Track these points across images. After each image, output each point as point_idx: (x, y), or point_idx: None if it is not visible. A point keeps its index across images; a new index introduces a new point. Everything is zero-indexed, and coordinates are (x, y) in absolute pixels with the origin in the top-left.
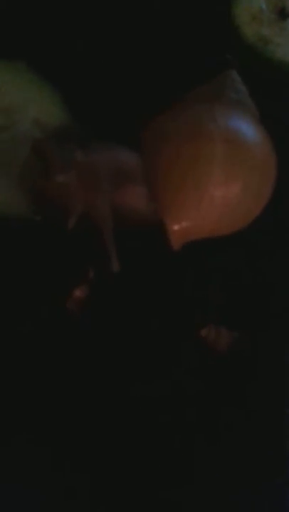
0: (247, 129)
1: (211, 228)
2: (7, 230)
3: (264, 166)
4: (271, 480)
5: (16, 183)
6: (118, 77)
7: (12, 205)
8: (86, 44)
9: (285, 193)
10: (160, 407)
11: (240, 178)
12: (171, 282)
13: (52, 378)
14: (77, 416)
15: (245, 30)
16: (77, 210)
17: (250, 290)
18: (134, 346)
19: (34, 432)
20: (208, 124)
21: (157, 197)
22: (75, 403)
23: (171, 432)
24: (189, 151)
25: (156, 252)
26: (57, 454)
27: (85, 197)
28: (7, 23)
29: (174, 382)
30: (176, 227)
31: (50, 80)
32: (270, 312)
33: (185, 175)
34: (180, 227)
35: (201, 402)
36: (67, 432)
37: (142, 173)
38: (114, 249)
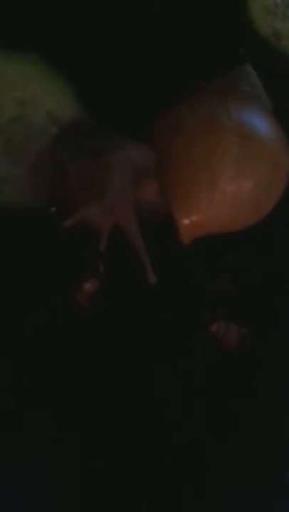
0: (261, 123)
1: (223, 223)
2: (19, 221)
3: (277, 162)
4: (281, 476)
5: (28, 174)
6: (132, 70)
7: (25, 196)
8: (100, 37)
9: None
10: (169, 401)
11: (252, 173)
12: (181, 277)
13: (61, 371)
14: (84, 407)
15: (259, 25)
16: (107, 229)
17: (260, 286)
18: (144, 340)
19: (42, 427)
20: (222, 118)
21: (169, 191)
22: (84, 396)
23: (179, 427)
24: (202, 145)
25: (167, 247)
26: (63, 448)
27: (113, 216)
28: (20, 16)
29: (183, 377)
30: (186, 222)
31: (63, 72)
32: (280, 309)
33: (197, 169)
34: (190, 222)
35: (210, 397)
36: (78, 423)
37: (154, 166)
38: (148, 261)
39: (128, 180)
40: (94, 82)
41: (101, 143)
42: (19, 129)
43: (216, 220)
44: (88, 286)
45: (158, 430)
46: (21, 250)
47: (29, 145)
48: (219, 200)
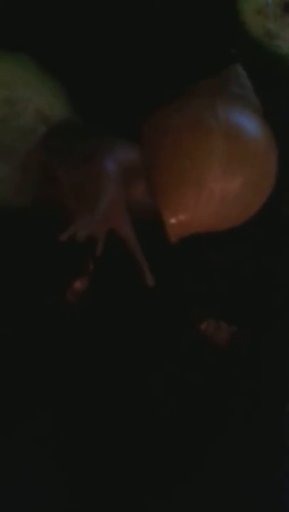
0: (249, 124)
1: (210, 222)
2: (8, 220)
3: (264, 162)
4: (271, 474)
5: (17, 173)
6: (121, 70)
7: (13, 196)
8: (89, 37)
9: (286, 189)
10: (159, 399)
11: (239, 173)
12: (171, 276)
13: (50, 370)
14: (75, 409)
15: (250, 25)
16: (102, 236)
17: (250, 285)
18: (134, 338)
19: (34, 426)
20: (209, 119)
21: (156, 190)
22: (74, 396)
23: (169, 426)
24: (189, 144)
25: (156, 246)
26: (57, 449)
27: (108, 223)
28: (10, 15)
29: (172, 375)
30: (173, 220)
31: (52, 72)
32: (270, 307)
33: (184, 168)
34: (177, 221)
35: (200, 395)
36: (67, 425)
37: (142, 165)
38: (146, 263)
39: (120, 185)
40: (83, 82)
41: (90, 145)
42: (7, 129)
43: (203, 219)
44: (78, 284)
45: (149, 428)
46: (10, 249)
47: (18, 144)
48: (206, 200)
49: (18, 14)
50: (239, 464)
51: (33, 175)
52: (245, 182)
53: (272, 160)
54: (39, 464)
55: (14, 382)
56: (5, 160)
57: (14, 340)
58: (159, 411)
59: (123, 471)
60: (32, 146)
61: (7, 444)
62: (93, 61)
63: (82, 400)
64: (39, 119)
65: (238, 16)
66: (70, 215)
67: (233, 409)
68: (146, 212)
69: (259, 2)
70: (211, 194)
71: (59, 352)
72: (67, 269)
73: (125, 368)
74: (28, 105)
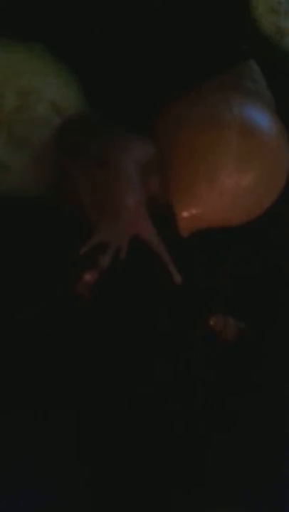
0: (262, 119)
1: (221, 217)
2: (21, 210)
3: (277, 158)
4: (277, 468)
5: (32, 164)
6: (135, 64)
7: (27, 186)
8: (104, 29)
9: None
10: (167, 394)
11: (252, 168)
12: (181, 271)
13: (60, 362)
14: (82, 400)
15: (262, 22)
16: (125, 242)
17: (259, 281)
18: (143, 333)
19: (38, 416)
20: (224, 113)
21: (169, 183)
22: (82, 387)
23: (176, 420)
24: (204, 139)
25: (166, 240)
26: (59, 443)
27: (130, 231)
28: (26, 6)
29: (181, 370)
30: (185, 214)
31: (67, 64)
32: (279, 304)
33: (198, 163)
34: (189, 214)
35: (208, 390)
36: (72, 418)
37: (155, 159)
38: (171, 262)
39: (139, 187)
40: (98, 74)
41: (105, 145)
42: (22, 119)
43: (215, 214)
44: (88, 277)
45: (156, 423)
46: (23, 240)
47: (32, 135)
48: (218, 194)
49: (34, 4)
50: (245, 459)
51: (48, 166)
52: (258, 177)
53: (285, 156)
54: (41, 456)
55: (21, 374)
56: (19, 150)
57: (23, 331)
58: (167, 405)
59: (125, 464)
60: (46, 137)
61: (9, 433)
62: (108, 54)
63: (90, 392)
64: (53, 111)
65: (250, 13)
66: (91, 225)
67: (241, 404)
68: (158, 206)
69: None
70: (224, 189)
71: (68, 344)
72: (78, 262)
73: (134, 362)
74: (43, 96)
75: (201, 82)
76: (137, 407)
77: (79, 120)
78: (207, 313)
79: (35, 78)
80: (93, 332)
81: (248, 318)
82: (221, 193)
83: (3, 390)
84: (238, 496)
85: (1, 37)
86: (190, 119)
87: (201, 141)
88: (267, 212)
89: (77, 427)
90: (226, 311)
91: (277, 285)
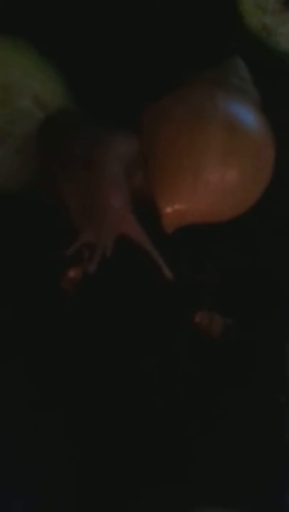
0: (247, 116)
1: (206, 213)
2: (3, 205)
3: (262, 154)
4: (267, 464)
5: (14, 158)
6: (120, 59)
7: (9, 180)
8: (88, 24)
9: (283, 183)
10: (152, 389)
11: (237, 164)
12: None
13: (44, 357)
14: (67, 395)
15: (249, 20)
16: (111, 242)
17: (246, 277)
18: (128, 328)
19: (27, 409)
20: (208, 109)
21: (153, 179)
22: (66, 383)
23: (162, 415)
24: (188, 135)
25: (152, 236)
26: (44, 435)
27: (116, 231)
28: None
29: (166, 365)
30: (168, 210)
31: (50, 58)
32: (266, 300)
33: (182, 159)
34: (173, 210)
35: (193, 386)
36: (57, 413)
37: (139, 155)
38: (161, 259)
39: (124, 187)
40: (81, 69)
41: (89, 143)
42: (4, 113)
43: (198, 210)
44: (72, 273)
45: (141, 418)
46: (5, 235)
47: (15, 129)
48: (202, 190)
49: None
50: (234, 456)
51: (30, 160)
52: (242, 174)
53: (270, 153)
54: (26, 443)
55: (7, 370)
56: (1, 144)
57: (8, 327)
58: (153, 400)
59: (110, 457)
60: (29, 132)
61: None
62: (92, 48)
63: (77, 388)
64: (37, 105)
65: (237, 9)
66: (76, 227)
67: (227, 400)
68: (144, 202)
69: None
70: (208, 184)
71: (53, 340)
72: (62, 257)
73: (119, 357)
74: (26, 90)
75: (186, 78)
76: (121, 402)
77: (63, 115)
78: (192, 309)
79: (19, 71)
80: (79, 326)
81: (235, 315)
82: (204, 188)
83: None
84: (225, 493)
85: None
86: (174, 115)
87: (185, 137)
88: (254, 207)
89: (62, 421)
90: (212, 307)
91: (264, 281)
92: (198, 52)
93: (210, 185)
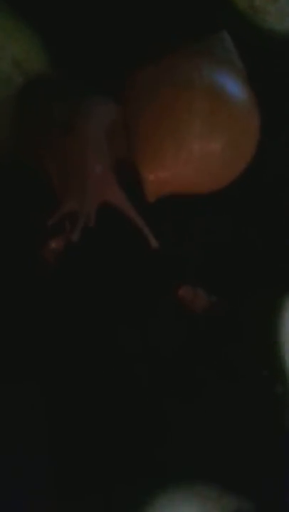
0: (233, 86)
1: (188, 182)
2: None
3: (246, 126)
4: (250, 442)
5: None
6: (105, 27)
7: None
8: None
9: (268, 155)
10: (132, 362)
11: (220, 133)
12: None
13: (22, 328)
14: (47, 368)
15: None
16: (94, 210)
17: (229, 252)
18: (110, 300)
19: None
20: (193, 79)
21: (135, 146)
22: (50, 354)
23: (142, 389)
24: (172, 103)
25: (137, 207)
26: (24, 411)
27: (98, 198)
28: None
29: (147, 339)
30: (151, 177)
31: (29, 20)
32: (251, 275)
33: (165, 127)
34: (155, 177)
35: (174, 360)
36: (37, 386)
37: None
38: (146, 227)
39: (106, 153)
40: (62, 33)
41: (70, 108)
42: None
43: (181, 178)
44: (54, 244)
45: (122, 391)
46: None
47: None
48: (185, 158)
49: None
50: (214, 433)
51: (8, 125)
52: (226, 143)
53: (255, 125)
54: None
55: None
56: None
57: None
58: (132, 372)
59: (90, 430)
60: (7, 96)
61: None
62: (76, 15)
63: (56, 359)
64: (16, 69)
65: None
66: (57, 195)
67: (208, 375)
68: (126, 171)
69: None
70: (190, 152)
71: (34, 310)
72: (44, 228)
73: (100, 330)
74: (5, 54)
75: (172, 49)
76: (102, 375)
77: (42, 80)
78: (176, 283)
79: None
80: (59, 296)
81: (220, 290)
82: (187, 156)
83: None
84: (203, 468)
85: None
86: (159, 84)
87: (169, 105)
88: (240, 180)
89: (42, 394)
90: (197, 281)
91: (249, 257)
92: (184, 26)
93: (193, 152)
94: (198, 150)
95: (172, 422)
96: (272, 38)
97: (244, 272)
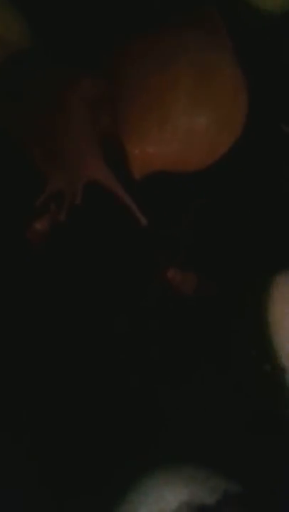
0: (220, 61)
1: (175, 159)
2: None
3: (234, 101)
4: (240, 426)
5: None
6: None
7: None
8: None
9: (257, 132)
10: (121, 345)
11: (207, 108)
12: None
13: (10, 312)
14: (34, 351)
15: None
16: (81, 188)
17: (220, 232)
18: (97, 282)
19: None
20: (178, 51)
21: (121, 122)
22: (34, 338)
23: (131, 373)
24: (158, 77)
25: (126, 188)
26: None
27: (84, 177)
28: None
29: (136, 321)
30: (136, 151)
31: None
32: (239, 255)
33: (151, 101)
34: (141, 152)
35: (164, 343)
36: (24, 369)
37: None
38: (134, 205)
39: (91, 130)
40: (48, 10)
41: (54, 81)
42: None
43: (168, 153)
44: (39, 225)
45: (111, 375)
46: None
47: None
48: (171, 132)
49: None
50: (203, 414)
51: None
52: (212, 119)
53: (242, 101)
54: None
55: None
56: None
57: None
58: (121, 356)
59: (79, 417)
60: None
61: None
62: None
63: (44, 344)
64: None
65: None
66: (42, 174)
67: (198, 358)
68: (111, 147)
69: None
70: (176, 126)
71: (22, 293)
72: (30, 210)
73: (88, 312)
74: None
75: (159, 22)
76: (91, 360)
77: (24, 54)
78: (164, 265)
79: None
80: (48, 281)
81: (209, 271)
82: (173, 130)
83: None
84: (192, 450)
85: None
86: (145, 57)
87: (155, 79)
88: (226, 159)
89: (28, 378)
90: (186, 263)
91: (239, 236)
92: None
93: (179, 126)
94: (184, 124)
95: (162, 404)
96: (261, 14)
97: (233, 252)
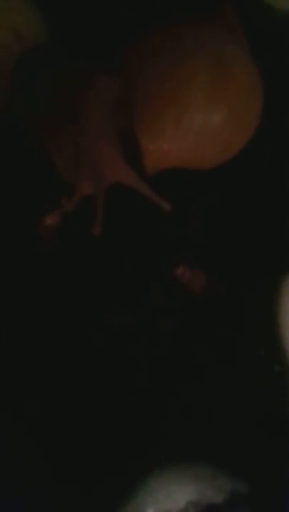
0: (236, 59)
1: (189, 156)
2: None
3: (249, 99)
4: (248, 424)
5: None
6: None
7: None
8: None
9: (269, 136)
10: (128, 342)
11: (222, 106)
12: (149, 217)
13: (16, 306)
14: (39, 349)
15: None
16: (104, 192)
17: (230, 232)
18: (106, 279)
19: None
20: (196, 49)
21: (136, 117)
22: (40, 334)
23: (138, 370)
24: (174, 74)
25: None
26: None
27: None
28: None
29: (143, 319)
30: (151, 147)
31: None
32: (249, 255)
33: (166, 98)
34: (155, 148)
35: (171, 341)
36: (30, 365)
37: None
38: (155, 196)
39: (112, 132)
40: (65, 6)
41: (72, 83)
42: None
43: (182, 151)
44: (49, 220)
45: (117, 372)
46: None
47: None
48: (186, 129)
49: None
50: (211, 413)
51: (4, 94)
52: (227, 117)
53: (257, 100)
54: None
55: None
56: None
57: None
58: (128, 353)
59: (85, 414)
60: (4, 64)
61: None
62: None
63: (50, 340)
64: (14, 37)
65: None
66: (67, 179)
67: (206, 357)
68: (128, 145)
69: None
70: (192, 123)
71: (29, 287)
72: (41, 204)
73: (96, 309)
74: (5, 22)
75: (175, 20)
76: (97, 356)
77: (42, 51)
78: (174, 262)
79: None
80: (56, 277)
81: (218, 270)
82: (188, 127)
83: None
84: (199, 449)
85: None
86: (161, 54)
87: (170, 73)
88: (239, 157)
89: (35, 375)
90: (196, 261)
91: (250, 236)
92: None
93: (194, 123)
94: (199, 121)
95: (169, 403)
96: (276, 14)
97: (243, 251)
